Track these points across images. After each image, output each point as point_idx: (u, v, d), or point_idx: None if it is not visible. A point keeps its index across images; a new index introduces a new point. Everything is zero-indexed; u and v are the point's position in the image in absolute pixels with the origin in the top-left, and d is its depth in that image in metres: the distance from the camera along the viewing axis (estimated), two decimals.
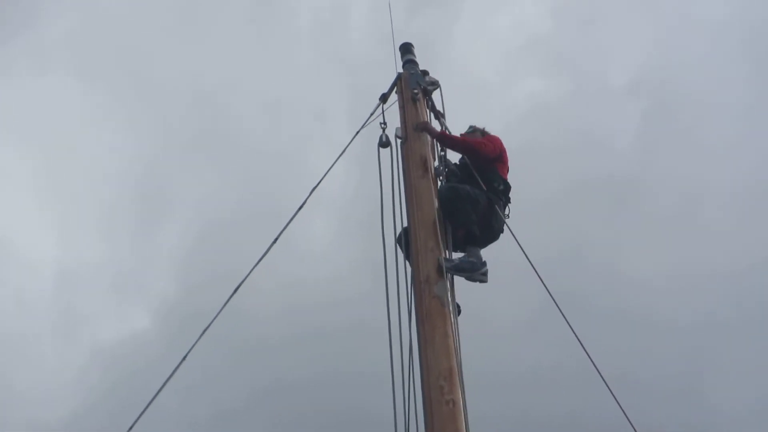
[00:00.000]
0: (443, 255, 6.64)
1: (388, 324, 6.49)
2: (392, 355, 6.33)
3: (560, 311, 6.83)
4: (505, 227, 7.38)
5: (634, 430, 6.69)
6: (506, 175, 7.64)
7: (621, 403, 6.43)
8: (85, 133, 27.03)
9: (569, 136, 25.32)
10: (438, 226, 6.79)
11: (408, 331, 6.44)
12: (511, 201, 7.54)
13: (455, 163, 7.83)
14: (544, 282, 6.92)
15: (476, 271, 6.79)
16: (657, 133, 25.55)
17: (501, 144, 7.73)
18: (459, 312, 6.71)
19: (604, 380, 6.75)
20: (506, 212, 7.47)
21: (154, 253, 25.48)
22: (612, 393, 6.85)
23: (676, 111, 25.77)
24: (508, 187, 7.51)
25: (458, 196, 7.04)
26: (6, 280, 25.40)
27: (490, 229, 7.25)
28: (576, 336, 6.88)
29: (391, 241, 7.15)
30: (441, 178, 7.57)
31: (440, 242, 6.68)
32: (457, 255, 6.98)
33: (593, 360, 6.88)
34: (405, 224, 7.16)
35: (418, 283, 6.55)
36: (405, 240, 7.05)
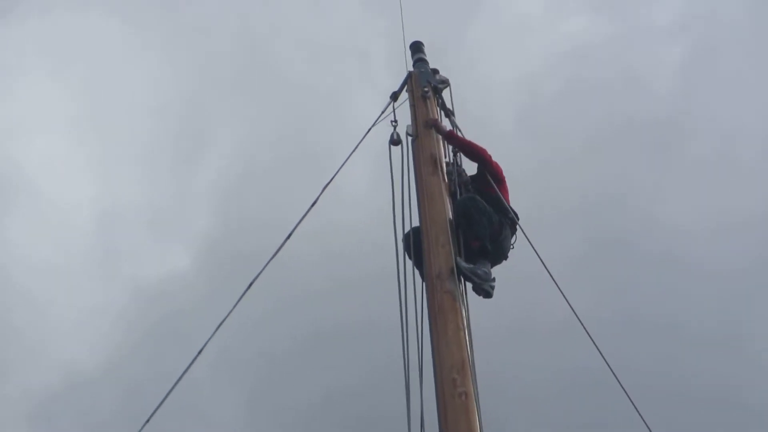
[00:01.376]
0: (455, 256, 6.69)
1: (401, 323, 6.54)
2: (406, 353, 6.36)
3: (577, 317, 6.90)
4: (512, 246, 7.41)
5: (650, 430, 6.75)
6: (508, 200, 7.61)
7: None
8: (125, 68, 26.55)
9: (611, 77, 24.90)
10: (449, 227, 6.85)
11: (419, 332, 6.51)
12: (516, 230, 7.48)
13: (470, 176, 7.83)
14: (561, 289, 6.99)
15: (486, 282, 6.79)
16: (700, 75, 25.15)
17: (503, 172, 7.74)
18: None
19: (621, 386, 6.81)
20: (513, 241, 7.45)
21: (194, 191, 25.08)
22: (628, 396, 6.91)
23: (720, 53, 25.29)
24: (514, 218, 7.46)
25: (478, 208, 7.04)
26: (45, 219, 25.31)
27: (498, 249, 7.22)
28: (593, 341, 6.93)
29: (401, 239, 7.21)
30: (453, 178, 7.65)
31: (451, 242, 6.73)
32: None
33: (610, 365, 6.92)
34: (414, 224, 7.21)
35: (429, 279, 6.62)
36: (413, 242, 7.04)
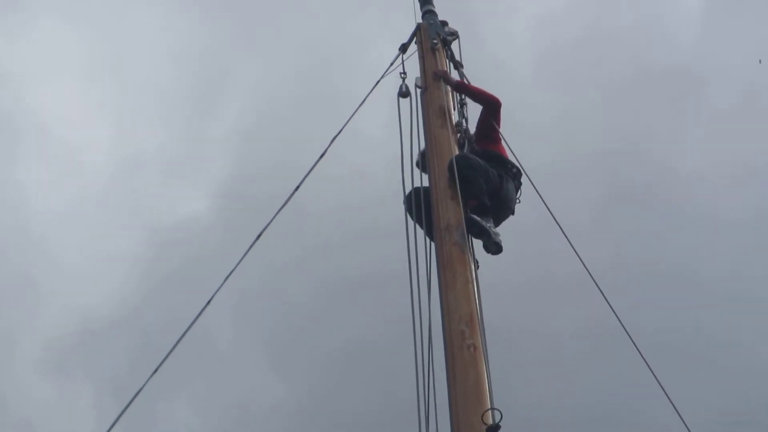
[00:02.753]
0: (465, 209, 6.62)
1: (409, 276, 6.47)
2: (416, 308, 6.30)
3: (588, 270, 6.83)
4: (518, 203, 7.35)
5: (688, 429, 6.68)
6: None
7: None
8: (140, 10, 26.29)
9: (631, 25, 24.57)
10: (457, 178, 6.75)
11: (418, 286, 6.41)
12: (522, 185, 7.42)
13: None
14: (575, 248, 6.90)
15: (494, 236, 6.70)
16: (720, 25, 24.80)
17: None
18: (477, 266, 6.70)
19: (633, 342, 6.75)
20: (518, 195, 7.39)
21: (210, 135, 24.88)
22: (640, 351, 6.83)
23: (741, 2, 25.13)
24: (519, 172, 7.39)
25: (470, 166, 6.90)
26: (60, 164, 25.41)
27: (501, 205, 7.13)
28: (604, 295, 6.86)
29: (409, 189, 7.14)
30: (460, 133, 7.57)
31: (459, 194, 6.66)
32: None
33: (630, 334, 6.85)
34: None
35: (438, 231, 6.56)
36: (415, 201, 6.93)
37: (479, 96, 7.67)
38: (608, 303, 6.83)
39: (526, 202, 7.38)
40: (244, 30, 25.89)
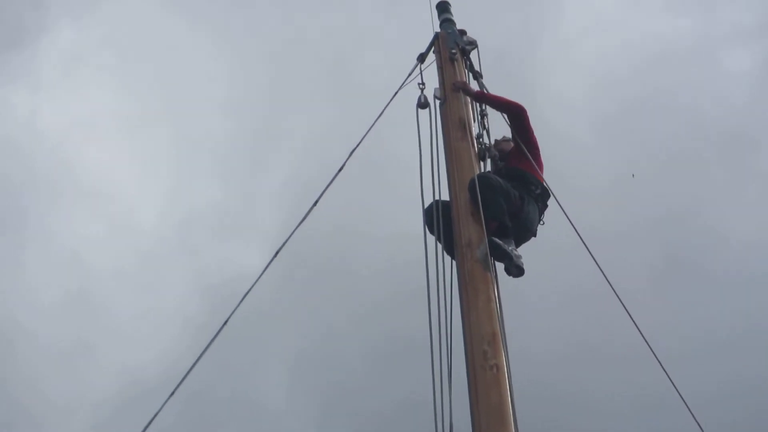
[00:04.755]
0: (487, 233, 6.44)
1: (427, 291, 6.34)
2: (431, 323, 6.17)
3: (612, 287, 6.67)
4: (540, 221, 7.20)
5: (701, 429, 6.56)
6: (542, 177, 7.32)
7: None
8: (194, 66, 26.62)
9: (685, 89, 24.45)
10: (480, 200, 6.55)
11: (438, 303, 6.27)
12: (548, 207, 7.24)
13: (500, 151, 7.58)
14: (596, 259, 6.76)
15: (516, 258, 6.53)
16: None
17: (537, 142, 7.43)
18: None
19: (661, 364, 6.61)
20: (542, 218, 7.21)
21: (264, 190, 24.81)
22: (670, 378, 6.69)
23: None
24: (545, 193, 7.20)
25: (490, 186, 6.69)
26: (113, 220, 25.44)
27: (521, 227, 6.94)
28: (628, 313, 6.73)
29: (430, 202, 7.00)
30: (482, 146, 7.43)
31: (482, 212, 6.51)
32: None
33: (647, 339, 6.72)
34: (436, 195, 6.97)
35: (459, 247, 6.44)
36: (435, 215, 6.75)
37: (501, 105, 7.52)
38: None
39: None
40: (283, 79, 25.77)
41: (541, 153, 7.43)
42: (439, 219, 6.65)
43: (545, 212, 7.26)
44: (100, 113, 27.09)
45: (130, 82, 27.22)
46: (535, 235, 7.14)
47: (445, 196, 6.98)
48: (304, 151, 24.05)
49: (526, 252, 6.82)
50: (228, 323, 6.35)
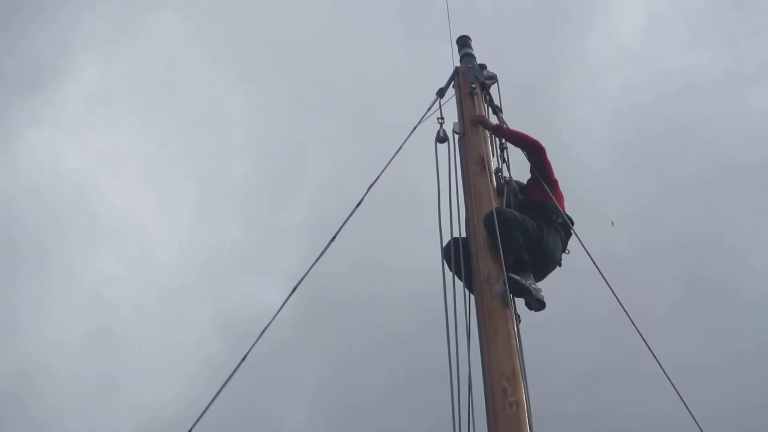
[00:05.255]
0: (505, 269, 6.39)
1: (446, 328, 6.31)
2: (450, 359, 6.13)
3: (629, 317, 6.63)
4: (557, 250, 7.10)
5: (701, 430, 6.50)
6: (564, 208, 7.30)
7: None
8: (215, 104, 26.72)
9: (712, 119, 24.22)
10: (498, 235, 6.49)
11: (457, 338, 6.23)
12: (571, 235, 7.18)
13: (520, 185, 7.57)
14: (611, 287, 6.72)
15: (535, 293, 6.49)
16: None
17: (555, 174, 7.43)
18: (519, 321, 6.53)
19: (671, 381, 6.54)
20: (566, 247, 7.17)
21: (283, 227, 24.64)
22: (678, 393, 6.64)
23: None
24: (566, 222, 7.15)
25: (506, 220, 6.63)
26: (131, 258, 25.51)
27: (543, 258, 6.90)
28: (641, 335, 6.68)
29: (448, 237, 6.99)
30: (501, 181, 7.43)
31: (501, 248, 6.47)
32: None
33: (659, 360, 6.67)
34: (457, 227, 6.97)
35: (478, 283, 6.42)
36: (454, 253, 6.74)
37: (518, 140, 7.52)
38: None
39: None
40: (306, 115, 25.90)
41: (560, 186, 7.44)
42: (459, 256, 6.63)
43: (570, 241, 7.20)
44: (122, 152, 27.37)
45: (152, 121, 27.46)
46: (560, 265, 7.11)
47: (464, 231, 6.99)
48: (324, 187, 24.07)
49: (545, 282, 6.82)
50: (247, 359, 6.35)
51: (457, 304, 6.41)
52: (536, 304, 6.49)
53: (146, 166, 27.28)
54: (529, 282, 6.49)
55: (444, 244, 6.90)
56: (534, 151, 7.42)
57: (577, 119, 23.78)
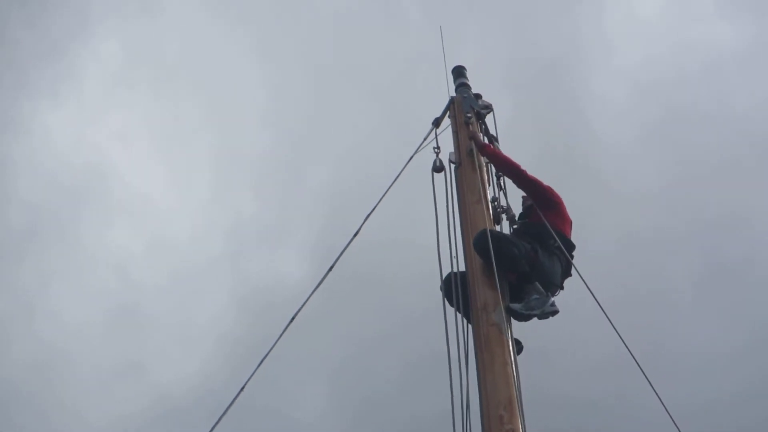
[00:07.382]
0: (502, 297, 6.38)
1: (447, 355, 6.34)
2: (452, 389, 6.15)
3: (632, 355, 6.69)
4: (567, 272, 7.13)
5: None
6: (568, 232, 7.28)
7: None
8: (233, 78, 26.62)
9: (738, 97, 23.91)
10: (492, 254, 6.52)
11: (460, 369, 6.25)
12: (573, 257, 7.13)
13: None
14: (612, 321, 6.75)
15: (545, 305, 6.52)
16: None
17: (557, 195, 7.43)
18: (521, 349, 6.56)
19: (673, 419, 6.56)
20: (569, 270, 7.13)
21: (304, 198, 24.56)
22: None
23: None
24: (567, 245, 7.10)
25: (497, 239, 6.67)
26: (149, 231, 25.53)
27: (541, 278, 6.82)
28: (650, 383, 6.72)
29: (447, 267, 7.01)
30: (497, 209, 7.47)
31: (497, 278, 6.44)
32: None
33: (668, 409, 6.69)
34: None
35: (475, 311, 6.44)
36: (453, 286, 6.73)
37: (500, 165, 7.56)
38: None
39: None
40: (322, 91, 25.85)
41: (564, 205, 7.40)
42: (458, 290, 6.66)
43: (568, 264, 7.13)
44: (139, 127, 27.33)
45: (168, 95, 27.54)
46: (562, 288, 7.11)
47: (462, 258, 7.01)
48: (342, 157, 24.05)
49: None
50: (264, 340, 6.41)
51: (457, 335, 6.42)
52: (551, 315, 6.54)
53: (163, 141, 27.44)
54: (533, 299, 6.52)
55: (445, 269, 6.91)
56: (513, 175, 7.43)
57: (598, 94, 23.49)
